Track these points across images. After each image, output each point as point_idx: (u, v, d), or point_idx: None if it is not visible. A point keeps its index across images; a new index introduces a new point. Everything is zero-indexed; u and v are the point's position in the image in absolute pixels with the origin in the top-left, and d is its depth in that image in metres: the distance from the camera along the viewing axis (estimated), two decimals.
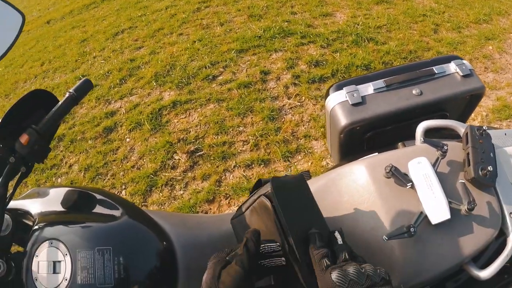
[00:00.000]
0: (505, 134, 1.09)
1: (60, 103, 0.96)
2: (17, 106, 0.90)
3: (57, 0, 8.31)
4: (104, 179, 3.02)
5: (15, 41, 0.95)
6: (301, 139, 2.97)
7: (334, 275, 0.58)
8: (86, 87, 1.02)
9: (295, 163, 2.80)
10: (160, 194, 2.77)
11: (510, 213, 0.93)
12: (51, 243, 0.86)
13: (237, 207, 0.96)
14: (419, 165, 0.94)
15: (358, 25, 4.31)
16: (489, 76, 3.69)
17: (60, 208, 0.99)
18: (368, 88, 1.31)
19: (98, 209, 1.01)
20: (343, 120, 1.27)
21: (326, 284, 0.58)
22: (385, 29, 4.31)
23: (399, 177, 0.93)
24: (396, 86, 1.30)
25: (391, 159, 1.00)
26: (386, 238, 0.84)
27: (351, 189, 1.00)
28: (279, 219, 0.76)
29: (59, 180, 3.14)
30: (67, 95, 0.97)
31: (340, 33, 4.14)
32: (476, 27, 4.44)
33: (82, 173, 3.12)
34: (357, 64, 3.58)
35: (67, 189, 1.06)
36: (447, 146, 0.95)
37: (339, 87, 1.33)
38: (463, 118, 1.49)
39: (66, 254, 0.84)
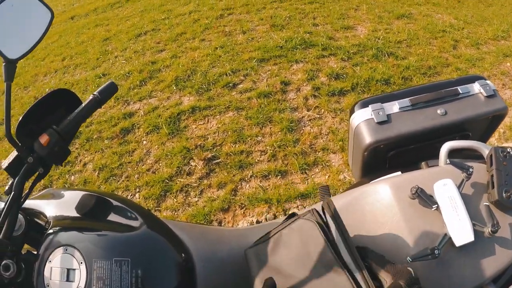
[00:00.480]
0: None
1: (83, 105, 0.93)
2: (39, 104, 0.87)
3: None
4: (118, 181, 3.03)
5: (42, 37, 0.94)
6: (319, 151, 2.97)
7: None
8: (110, 90, 0.99)
9: (312, 176, 2.80)
10: (175, 200, 2.78)
11: None
12: (66, 250, 0.84)
13: (251, 224, 1.01)
14: (445, 187, 0.95)
15: (378, 39, 4.31)
16: (507, 93, 3.67)
17: (75, 212, 0.98)
18: (393, 107, 1.30)
19: (116, 217, 0.99)
20: (368, 138, 1.27)
21: None
22: (405, 44, 4.31)
23: (425, 198, 0.94)
24: (422, 105, 1.30)
25: (416, 180, 1.01)
26: (410, 260, 0.85)
27: (375, 209, 1.01)
28: (327, 236, 0.84)
29: (72, 178, 3.16)
30: (91, 97, 0.95)
31: (361, 47, 4.15)
32: (494, 44, 4.43)
33: (96, 172, 3.14)
34: (377, 79, 3.58)
35: (83, 193, 1.04)
36: (472, 168, 0.96)
37: (364, 105, 1.33)
38: (484, 138, 1.49)
39: (81, 263, 0.83)
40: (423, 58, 4.00)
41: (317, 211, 0.92)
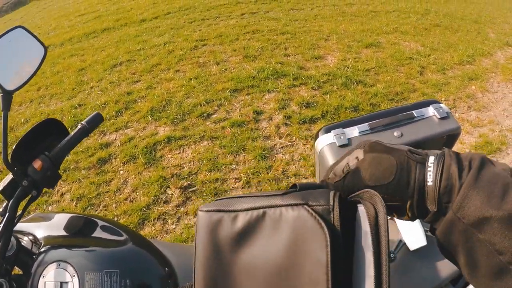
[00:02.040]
0: None
1: (72, 133, 1.02)
2: (31, 132, 0.94)
3: (57, 26, 8.43)
4: (96, 210, 3.03)
5: (37, 70, 1.00)
6: (291, 177, 3.07)
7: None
8: (97, 120, 1.08)
9: None
10: (153, 227, 2.82)
11: None
12: (59, 265, 0.90)
13: None
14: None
15: (348, 68, 4.49)
16: (472, 114, 3.86)
17: (65, 232, 1.04)
18: (353, 131, 1.38)
19: (103, 234, 1.06)
20: (331, 160, 1.34)
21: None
22: (374, 71, 4.49)
23: None
24: (380, 129, 1.38)
25: None
26: None
27: None
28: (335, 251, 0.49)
29: (50, 208, 3.13)
30: (79, 126, 1.04)
31: (331, 76, 4.31)
32: (460, 68, 4.64)
33: (74, 202, 3.12)
34: (346, 106, 3.73)
35: (70, 215, 1.11)
36: None
37: (327, 130, 1.40)
38: None
39: (74, 276, 0.88)
40: (390, 85, 4.18)
41: (339, 203, 0.53)
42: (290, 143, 3.40)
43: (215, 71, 4.59)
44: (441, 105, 1.43)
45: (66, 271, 0.89)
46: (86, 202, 3.10)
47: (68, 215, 1.11)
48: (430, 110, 1.42)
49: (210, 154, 3.33)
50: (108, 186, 3.23)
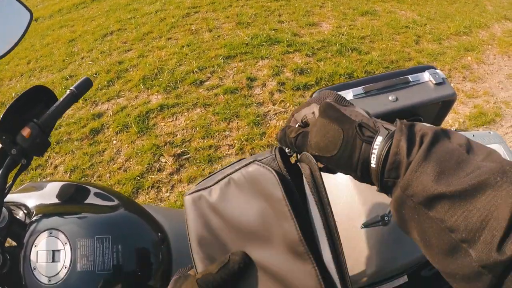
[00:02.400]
0: (473, 135, 1.18)
1: (61, 99, 0.98)
2: (19, 100, 0.91)
3: None
4: (90, 181, 3.01)
5: (22, 36, 0.98)
6: None
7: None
8: (86, 85, 1.04)
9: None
10: (147, 196, 2.81)
11: None
12: (51, 233, 0.88)
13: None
14: None
15: (342, 35, 4.42)
16: (467, 85, 3.84)
17: (57, 200, 1.02)
18: (347, 95, 1.35)
19: (96, 200, 1.04)
20: None
21: (325, 94, 0.62)
22: (369, 39, 4.43)
23: None
24: (374, 92, 1.36)
25: None
26: (363, 226, 0.93)
27: (330, 185, 1.06)
28: (291, 198, 0.56)
29: (44, 180, 3.15)
30: (68, 92, 1.00)
31: (325, 43, 4.25)
32: (456, 39, 4.59)
33: (68, 174, 3.11)
34: (341, 73, 3.69)
35: (63, 183, 1.09)
36: None
37: None
38: (437, 122, 1.56)
39: (65, 243, 0.87)
40: (385, 53, 4.13)
41: (282, 156, 0.61)
42: (283, 110, 3.37)
43: (208, 38, 4.51)
44: (437, 70, 1.40)
45: (58, 238, 0.88)
46: (80, 173, 3.09)
47: (60, 183, 1.09)
48: (426, 76, 1.40)
49: (203, 121, 3.30)
50: (102, 156, 3.22)
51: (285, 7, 5.25)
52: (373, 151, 0.52)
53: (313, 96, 0.65)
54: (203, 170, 2.90)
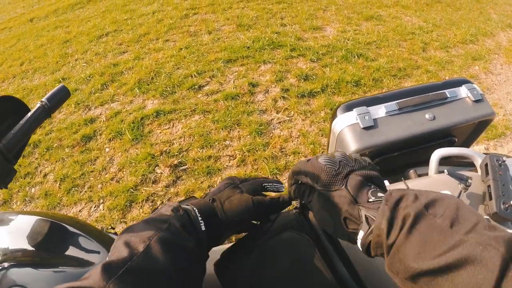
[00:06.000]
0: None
1: (29, 114, 0.78)
2: None
3: None
4: (81, 192, 2.85)
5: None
6: (290, 155, 2.87)
7: (322, 159, 0.66)
8: (61, 96, 0.84)
9: (284, 181, 2.69)
10: (141, 210, 2.62)
11: None
12: None
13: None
14: None
15: (348, 40, 4.27)
16: None
17: (28, 243, 0.85)
18: (379, 111, 1.23)
19: (72, 249, 0.87)
20: (353, 144, 1.19)
21: (318, 168, 0.65)
22: (375, 45, 4.29)
23: None
24: (409, 109, 1.23)
25: None
26: None
27: None
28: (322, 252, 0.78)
29: (32, 190, 2.96)
30: (38, 105, 0.79)
31: (330, 48, 4.09)
32: (463, 47, 4.48)
33: (58, 183, 2.94)
34: (347, 80, 3.52)
35: (36, 218, 0.92)
36: (471, 179, 0.90)
37: (348, 108, 1.24)
38: (467, 143, 1.45)
39: None
40: (393, 60, 3.98)
41: (304, 222, 0.83)
42: (288, 118, 3.18)
43: (207, 40, 4.35)
44: (475, 86, 1.29)
45: None
46: (70, 183, 2.93)
47: (34, 218, 0.91)
48: (463, 91, 1.28)
49: (202, 129, 3.12)
50: (93, 165, 3.05)
51: (287, 9, 5.12)
52: (358, 240, 0.59)
53: (319, 158, 0.68)
54: (201, 183, 2.71)
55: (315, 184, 0.66)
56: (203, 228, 0.66)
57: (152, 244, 0.55)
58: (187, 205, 0.68)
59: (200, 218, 0.66)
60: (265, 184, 0.79)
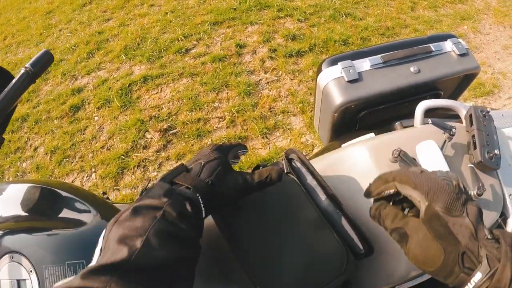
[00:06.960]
0: (503, 115, 1.06)
1: (14, 81, 0.79)
2: None
3: None
4: (72, 162, 2.86)
5: None
6: (279, 115, 2.87)
7: (439, 174, 0.57)
8: (45, 61, 0.84)
9: (274, 140, 2.70)
10: (133, 176, 2.64)
11: (510, 195, 0.90)
12: (12, 257, 0.73)
13: None
14: (428, 148, 0.89)
15: None
16: None
17: (20, 210, 0.85)
18: (364, 64, 1.22)
19: (65, 211, 0.87)
20: (339, 98, 1.18)
21: (439, 185, 0.55)
22: (363, 4, 4.22)
23: (408, 161, 0.87)
24: (394, 62, 1.23)
25: (396, 142, 0.93)
26: None
27: (353, 175, 0.92)
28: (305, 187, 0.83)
29: (24, 165, 2.96)
30: (22, 71, 0.80)
31: (318, 7, 4.02)
32: (451, 7, 4.43)
33: (49, 156, 2.94)
34: (335, 39, 3.48)
35: (28, 185, 0.92)
36: (455, 129, 0.90)
37: (333, 62, 1.23)
38: (454, 97, 1.46)
39: (31, 271, 0.72)
40: (381, 19, 3.93)
41: (286, 161, 0.88)
42: (276, 78, 3.16)
43: (193, 3, 4.26)
44: (460, 40, 1.29)
45: (21, 265, 0.72)
46: (61, 154, 2.93)
47: (25, 186, 0.91)
48: (448, 45, 1.28)
49: (190, 92, 3.10)
50: (83, 134, 3.05)
51: None
52: (470, 283, 0.50)
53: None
54: (192, 145, 2.71)
55: (433, 203, 0.54)
56: (203, 215, 0.65)
57: (150, 238, 0.53)
58: (187, 187, 0.65)
59: (202, 205, 0.64)
60: (238, 151, 0.79)
